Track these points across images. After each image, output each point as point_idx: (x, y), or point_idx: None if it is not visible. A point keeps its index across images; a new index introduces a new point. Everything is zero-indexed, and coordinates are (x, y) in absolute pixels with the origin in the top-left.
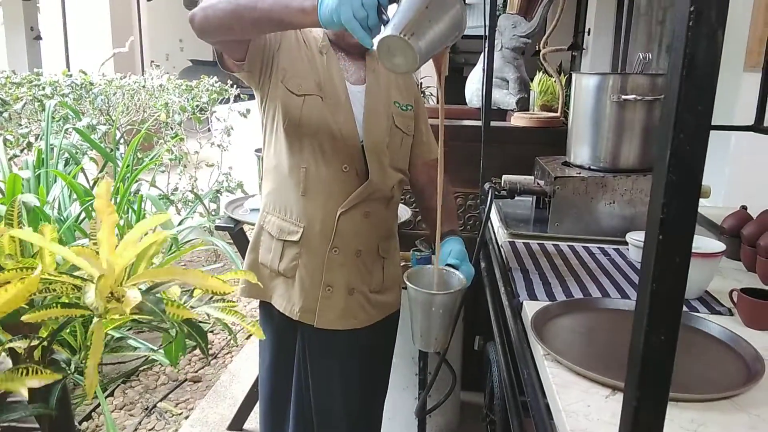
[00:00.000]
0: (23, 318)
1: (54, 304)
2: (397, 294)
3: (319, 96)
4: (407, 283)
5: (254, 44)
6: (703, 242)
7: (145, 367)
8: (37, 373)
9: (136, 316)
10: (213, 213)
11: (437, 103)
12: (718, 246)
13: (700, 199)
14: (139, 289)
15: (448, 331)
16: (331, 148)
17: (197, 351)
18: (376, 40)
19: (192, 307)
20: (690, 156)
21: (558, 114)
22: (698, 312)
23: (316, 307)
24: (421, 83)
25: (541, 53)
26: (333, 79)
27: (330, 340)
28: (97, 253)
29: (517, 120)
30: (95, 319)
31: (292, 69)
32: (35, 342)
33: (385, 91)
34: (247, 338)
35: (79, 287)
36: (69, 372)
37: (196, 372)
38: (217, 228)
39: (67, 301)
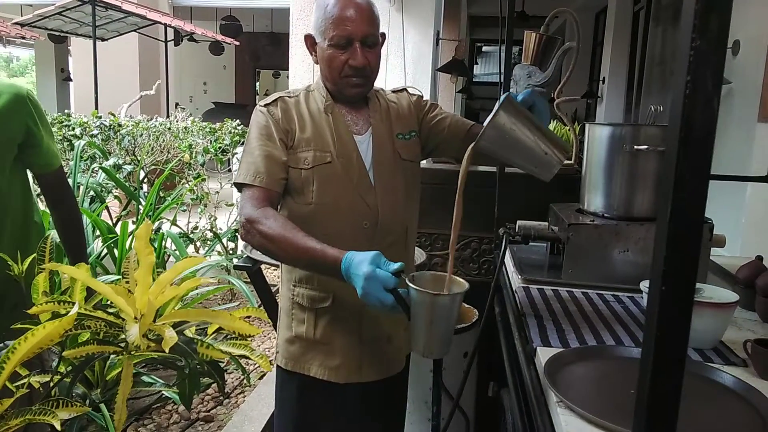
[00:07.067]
0: (65, 354)
1: (92, 341)
2: None
3: (327, 163)
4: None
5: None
6: (717, 292)
7: (158, 405)
8: (67, 405)
9: (156, 354)
10: (231, 252)
11: None
12: (732, 296)
13: (716, 248)
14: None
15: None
16: (350, 206)
17: (210, 390)
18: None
19: (209, 345)
20: (690, 213)
21: (572, 161)
22: (712, 362)
23: (360, 364)
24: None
25: (555, 103)
26: (342, 137)
27: (370, 394)
28: (129, 291)
29: None
30: (125, 355)
31: (297, 148)
32: (56, 378)
33: (387, 129)
34: (260, 378)
35: (112, 324)
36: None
37: (209, 411)
38: (236, 267)
39: (101, 337)
